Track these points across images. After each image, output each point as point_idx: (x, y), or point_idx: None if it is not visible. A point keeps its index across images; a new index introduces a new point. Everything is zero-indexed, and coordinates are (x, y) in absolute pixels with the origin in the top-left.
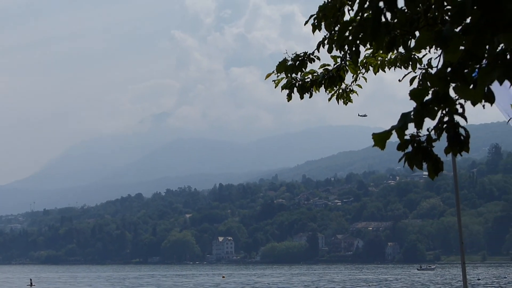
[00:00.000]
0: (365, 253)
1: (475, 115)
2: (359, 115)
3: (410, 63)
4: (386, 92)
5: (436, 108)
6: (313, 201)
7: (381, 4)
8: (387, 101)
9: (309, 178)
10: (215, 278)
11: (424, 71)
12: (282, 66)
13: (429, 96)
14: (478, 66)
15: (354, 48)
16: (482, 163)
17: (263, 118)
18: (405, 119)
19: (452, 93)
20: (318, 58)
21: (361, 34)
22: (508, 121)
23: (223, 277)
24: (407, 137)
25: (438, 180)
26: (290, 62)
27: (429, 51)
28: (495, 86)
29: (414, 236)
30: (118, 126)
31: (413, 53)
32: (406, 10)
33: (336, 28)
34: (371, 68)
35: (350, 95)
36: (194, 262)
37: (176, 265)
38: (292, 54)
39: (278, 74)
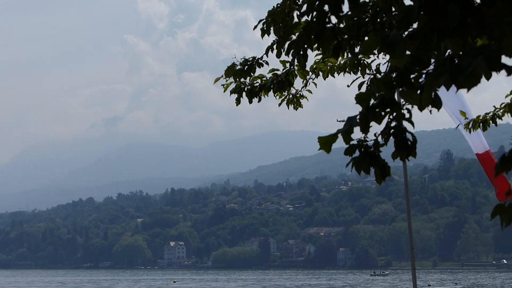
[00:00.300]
0: (316, 258)
1: (427, 122)
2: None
3: (360, 68)
4: (338, 98)
5: (382, 113)
6: (265, 206)
7: (325, 7)
8: (339, 107)
9: (261, 183)
10: (166, 283)
11: (372, 76)
12: (231, 71)
13: (375, 101)
14: (424, 71)
15: (301, 52)
16: (434, 169)
17: (215, 123)
18: (350, 123)
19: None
20: (267, 63)
21: (307, 38)
22: (457, 126)
23: (174, 282)
24: (354, 142)
25: (390, 186)
26: (238, 67)
27: (378, 57)
28: (444, 92)
29: (365, 242)
30: (69, 131)
31: (363, 58)
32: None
33: None
34: (320, 73)
35: (300, 100)
36: (146, 266)
37: (127, 270)
38: (241, 58)
39: (227, 78)
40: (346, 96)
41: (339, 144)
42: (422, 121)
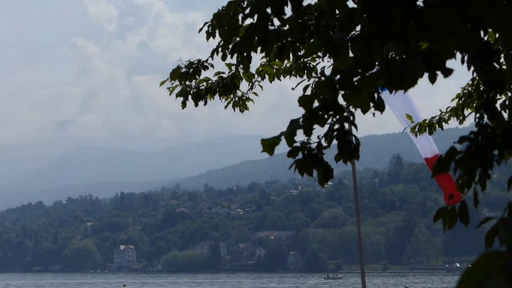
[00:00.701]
0: (267, 262)
1: (378, 126)
2: None
3: (306, 71)
4: (289, 102)
5: (325, 116)
6: (215, 210)
7: (268, 10)
8: (291, 111)
9: (211, 187)
10: (116, 286)
11: (317, 79)
12: (176, 73)
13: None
14: (368, 74)
15: (245, 54)
16: (384, 173)
17: (165, 127)
18: (294, 125)
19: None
20: (212, 66)
21: (250, 40)
22: (404, 130)
23: (124, 285)
24: (297, 144)
25: (340, 190)
26: (184, 70)
27: (323, 60)
28: (392, 96)
29: (316, 246)
30: (18, 134)
31: (308, 62)
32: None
33: None
34: (267, 76)
35: (246, 103)
36: (95, 270)
37: (77, 273)
38: (186, 61)
39: (173, 81)
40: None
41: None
42: (372, 125)
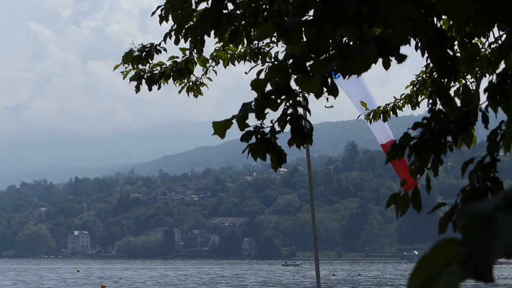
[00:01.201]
0: (221, 248)
1: (332, 113)
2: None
3: (260, 56)
4: (244, 88)
5: (278, 100)
6: (169, 195)
7: None
8: (245, 97)
9: (166, 173)
10: (70, 272)
11: (270, 64)
12: (128, 57)
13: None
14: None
15: (199, 38)
16: (339, 160)
17: (120, 112)
18: (246, 109)
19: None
20: (165, 50)
21: (203, 24)
22: (358, 117)
23: (78, 271)
24: (250, 129)
25: (294, 177)
26: (136, 53)
27: (277, 45)
28: (347, 82)
29: (270, 232)
30: None
31: (263, 47)
32: (250, 2)
33: None
34: (221, 61)
35: (201, 88)
36: (49, 255)
37: (30, 259)
38: (139, 44)
39: (126, 65)
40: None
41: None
42: (327, 112)
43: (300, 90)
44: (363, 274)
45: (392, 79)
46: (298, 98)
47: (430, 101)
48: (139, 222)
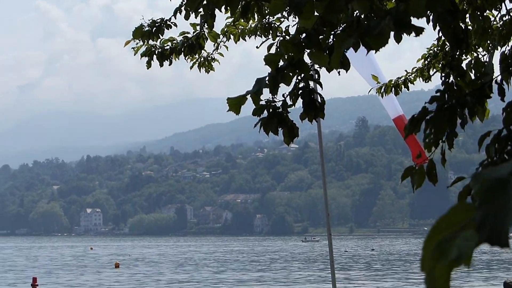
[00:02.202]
0: (233, 225)
1: (343, 89)
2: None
3: (271, 31)
4: (254, 65)
5: (291, 74)
6: (181, 173)
7: None
8: (256, 74)
9: (177, 150)
10: (83, 249)
11: (282, 38)
12: (139, 32)
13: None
14: (333, 32)
15: (210, 12)
16: (349, 136)
17: (131, 90)
18: (259, 84)
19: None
20: (175, 25)
21: None
22: (370, 91)
23: (91, 248)
24: (262, 103)
25: (306, 153)
26: (146, 28)
27: (288, 19)
28: (356, 56)
29: (282, 208)
30: None
31: (273, 22)
32: None
33: None
34: (232, 36)
35: (212, 63)
36: (62, 233)
37: (44, 237)
38: (149, 20)
39: (137, 41)
40: (262, 63)
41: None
42: (338, 88)
43: (311, 63)
44: (376, 249)
45: (401, 54)
46: (310, 73)
47: (443, 74)
48: (151, 200)
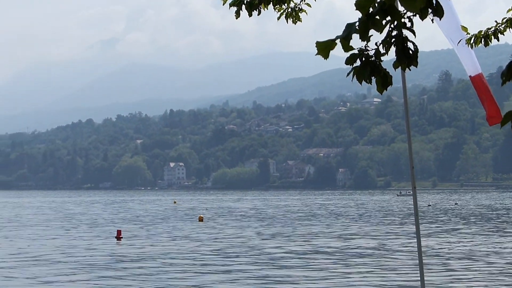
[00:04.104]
0: (316, 179)
1: (426, 42)
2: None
3: None
4: (337, 19)
5: (382, 21)
6: (264, 127)
7: None
8: (338, 28)
9: (260, 104)
10: (167, 203)
11: None
12: None
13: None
14: None
15: None
16: (433, 90)
17: (214, 44)
18: (349, 29)
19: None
20: None
21: None
22: (459, 42)
23: (175, 202)
24: (355, 51)
25: (388, 107)
26: None
27: None
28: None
29: (364, 163)
30: (66, 52)
31: None
32: None
33: None
34: None
35: (299, 14)
36: (146, 187)
37: (127, 190)
38: None
39: None
40: (345, 17)
41: (338, 65)
42: (421, 41)
43: (404, 11)
44: (459, 203)
45: (484, 9)
46: (402, 20)
47: None
48: (234, 154)
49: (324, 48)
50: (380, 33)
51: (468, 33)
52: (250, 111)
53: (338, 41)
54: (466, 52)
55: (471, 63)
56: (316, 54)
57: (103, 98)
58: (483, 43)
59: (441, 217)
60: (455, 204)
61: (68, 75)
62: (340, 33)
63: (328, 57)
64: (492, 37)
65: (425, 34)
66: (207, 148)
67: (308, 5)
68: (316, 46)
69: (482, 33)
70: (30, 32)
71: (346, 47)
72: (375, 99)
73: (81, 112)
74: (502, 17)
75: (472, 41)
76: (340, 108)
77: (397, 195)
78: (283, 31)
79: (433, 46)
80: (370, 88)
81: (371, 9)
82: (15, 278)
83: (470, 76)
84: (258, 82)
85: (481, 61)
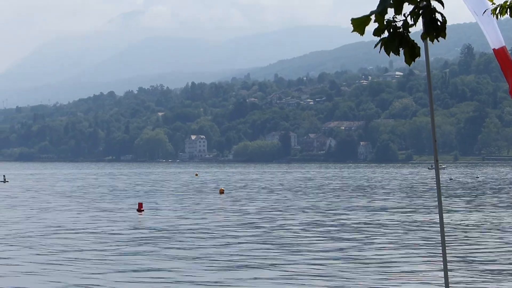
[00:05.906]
0: (337, 152)
1: (448, 16)
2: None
3: None
4: None
5: None
6: (285, 100)
7: None
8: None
9: (281, 78)
10: (188, 175)
11: None
12: None
13: None
14: None
15: None
16: (455, 63)
17: (235, 17)
18: (384, 3)
19: None
20: None
21: None
22: (484, 12)
23: (196, 174)
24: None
25: (410, 80)
26: None
27: None
28: None
29: (386, 136)
30: (87, 25)
31: None
32: None
33: None
34: None
35: None
36: (167, 160)
37: (149, 163)
38: None
39: None
40: None
41: (359, 38)
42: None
43: None
44: (481, 177)
45: None
46: None
47: None
48: (255, 127)
49: (360, 24)
50: (413, 4)
51: (493, 3)
52: (272, 84)
53: (373, 16)
54: (490, 24)
55: (495, 35)
56: (352, 31)
57: (125, 71)
58: (508, 13)
59: (463, 190)
60: (477, 177)
61: (90, 48)
62: (360, 6)
63: (364, 33)
64: None
65: (447, 8)
66: (228, 121)
67: None
68: (351, 23)
69: (508, 3)
70: (52, 6)
71: (381, 22)
72: (397, 73)
73: (103, 84)
74: None
75: (497, 11)
76: (362, 81)
77: (428, 168)
78: (304, 4)
79: (455, 20)
80: (392, 61)
81: None
82: (43, 246)
83: (494, 49)
84: (279, 55)
85: (505, 33)
